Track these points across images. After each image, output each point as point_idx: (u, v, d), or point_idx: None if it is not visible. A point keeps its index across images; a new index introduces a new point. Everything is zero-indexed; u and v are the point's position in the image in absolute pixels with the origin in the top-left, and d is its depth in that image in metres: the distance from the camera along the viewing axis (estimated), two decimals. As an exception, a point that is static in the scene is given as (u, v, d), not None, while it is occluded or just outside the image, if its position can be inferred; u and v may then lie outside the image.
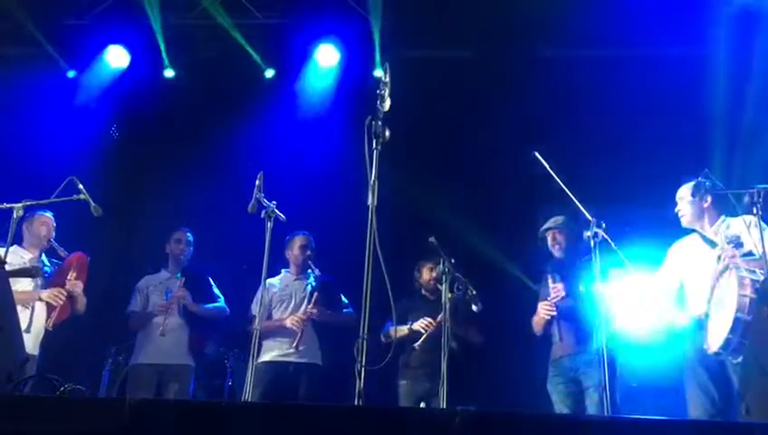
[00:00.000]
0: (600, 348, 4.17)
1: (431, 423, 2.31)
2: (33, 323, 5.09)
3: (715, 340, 4.16)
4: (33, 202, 5.03)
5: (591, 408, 4.66)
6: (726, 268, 4.19)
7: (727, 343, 4.02)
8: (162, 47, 7.11)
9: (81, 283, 5.26)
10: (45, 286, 5.21)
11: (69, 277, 5.20)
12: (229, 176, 6.56)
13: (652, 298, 4.77)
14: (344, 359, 5.14)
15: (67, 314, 5.23)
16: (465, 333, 5.48)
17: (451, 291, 5.04)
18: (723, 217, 4.62)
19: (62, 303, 5.12)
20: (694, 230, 4.73)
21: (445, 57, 7.28)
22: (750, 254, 4.30)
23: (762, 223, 4.24)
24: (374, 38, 6.80)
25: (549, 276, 5.03)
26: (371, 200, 3.27)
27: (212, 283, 5.87)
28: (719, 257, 4.28)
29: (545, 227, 5.20)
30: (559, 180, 4.31)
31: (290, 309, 5.60)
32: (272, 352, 5.49)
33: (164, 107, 7.23)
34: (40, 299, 5.14)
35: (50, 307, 5.14)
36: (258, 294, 5.03)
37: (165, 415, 2.56)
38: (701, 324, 4.39)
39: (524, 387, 6.04)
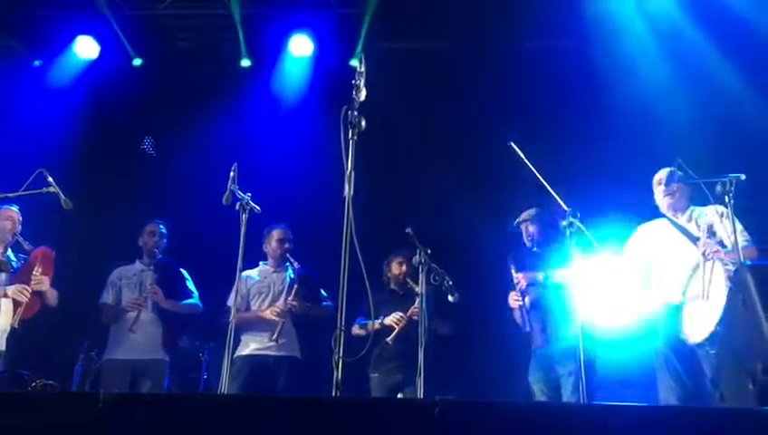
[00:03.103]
0: (575, 336, 4.20)
1: (411, 413, 2.30)
2: (-1, 319, 5.01)
3: (698, 331, 4.20)
4: (2, 196, 4.94)
5: (566, 395, 4.69)
6: (711, 260, 4.24)
7: (714, 335, 4.06)
8: (123, 39, 7.01)
9: (48, 277, 5.18)
10: (12, 282, 5.12)
11: (34, 272, 5.13)
12: (203, 167, 6.49)
13: (618, 279, 4.82)
14: (322, 352, 5.14)
15: (35, 310, 5.15)
16: (437, 325, 5.46)
17: (428, 282, 5.03)
18: (691, 206, 4.74)
19: (26, 299, 5.05)
20: (662, 215, 4.81)
21: (423, 48, 7.25)
22: (721, 245, 4.37)
23: (728, 213, 4.33)
24: (354, 28, 6.75)
25: (511, 266, 5.09)
26: (348, 191, 3.26)
27: (187, 277, 5.80)
28: (704, 252, 4.33)
29: (519, 219, 5.26)
30: (534, 170, 4.31)
31: (268, 301, 5.55)
32: (250, 345, 5.44)
33: (136, 98, 7.14)
34: (4, 296, 5.05)
35: (16, 303, 5.05)
36: (235, 287, 4.99)
37: (139, 408, 2.53)
38: (674, 312, 4.44)
39: (497, 376, 6.09)
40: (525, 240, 5.23)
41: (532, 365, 5.04)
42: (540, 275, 4.93)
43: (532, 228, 5.17)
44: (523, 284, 4.97)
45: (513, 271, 5.08)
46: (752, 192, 4.36)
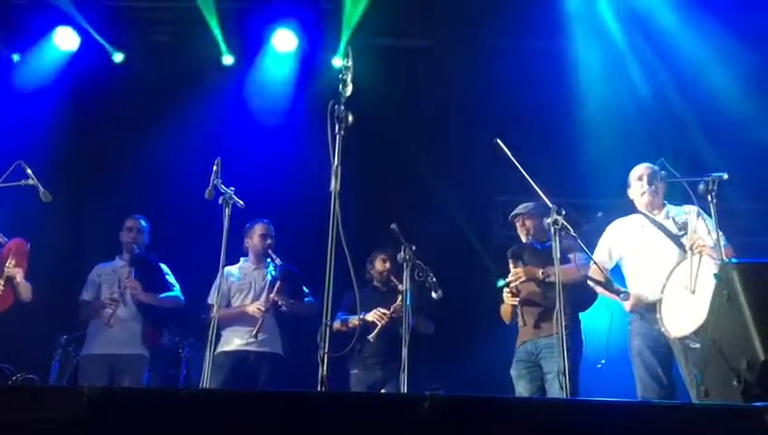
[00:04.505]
0: (567, 334, 4.19)
1: (401, 408, 2.29)
2: (-29, 313, 4.94)
3: (682, 325, 4.19)
4: (-22, 188, 4.87)
5: (552, 395, 4.66)
6: (699, 255, 4.26)
7: (700, 329, 4.03)
8: (98, 36, 6.93)
9: (21, 270, 5.11)
10: (-17, 275, 5.05)
11: (7, 265, 5.06)
12: (186, 162, 6.43)
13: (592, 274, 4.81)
14: (305, 348, 5.12)
15: (9, 304, 5.08)
16: (417, 324, 5.42)
17: (412, 279, 4.99)
18: (667, 204, 4.78)
19: None
20: (637, 211, 4.84)
21: (405, 46, 7.26)
22: None
23: (703, 213, 4.39)
24: (335, 24, 6.74)
25: (510, 261, 4.99)
26: (334, 185, 3.24)
27: (167, 271, 5.75)
28: (691, 246, 4.34)
29: (515, 212, 5.13)
30: (520, 167, 4.31)
31: (249, 298, 5.52)
32: (232, 341, 5.40)
33: (117, 90, 7.07)
34: None
35: (-13, 297, 4.98)
36: (216, 283, 4.94)
37: (124, 403, 2.50)
38: (651, 309, 4.46)
39: (479, 374, 6.10)
40: (521, 235, 5.09)
41: (517, 358, 4.95)
42: (540, 273, 4.81)
43: (529, 223, 5.04)
44: (521, 277, 4.86)
45: (511, 265, 4.94)
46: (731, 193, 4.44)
